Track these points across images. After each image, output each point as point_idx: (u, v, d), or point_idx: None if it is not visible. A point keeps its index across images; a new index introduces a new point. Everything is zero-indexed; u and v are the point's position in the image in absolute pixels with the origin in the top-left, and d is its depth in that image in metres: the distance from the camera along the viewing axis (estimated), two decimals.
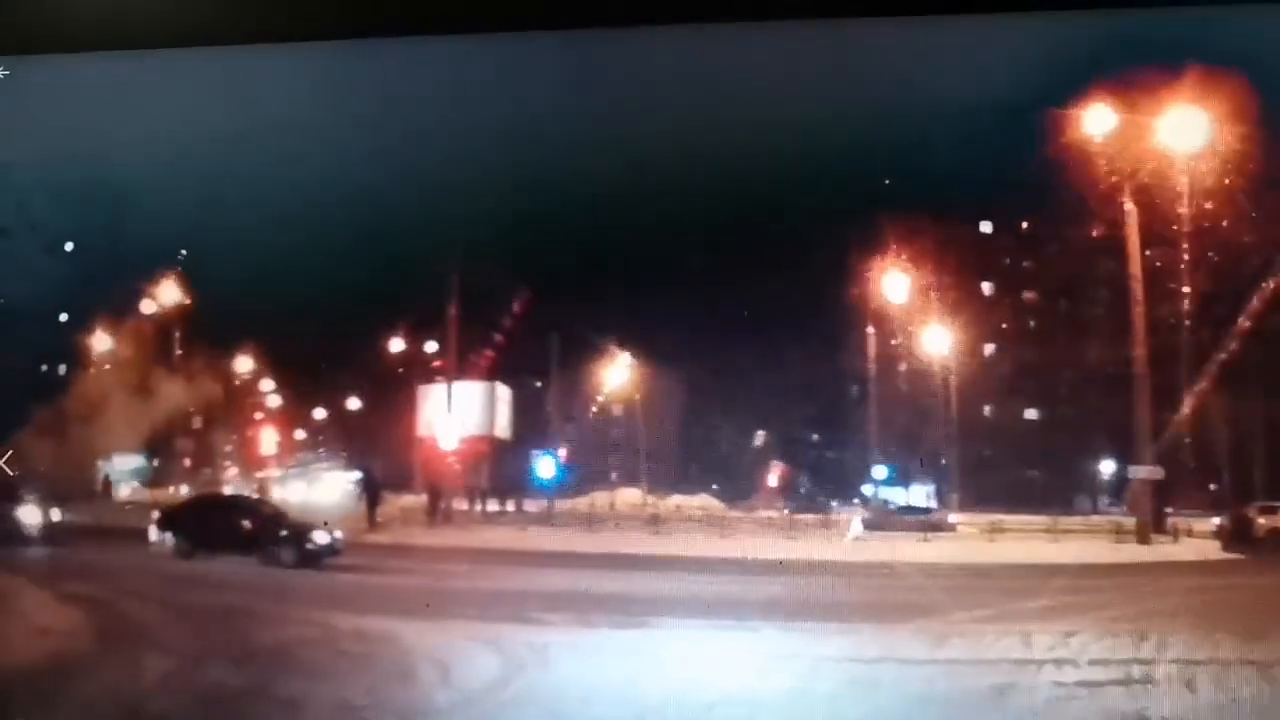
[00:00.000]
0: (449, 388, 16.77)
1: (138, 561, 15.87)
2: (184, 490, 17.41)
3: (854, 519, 16.56)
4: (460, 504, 17.22)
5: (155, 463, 17.78)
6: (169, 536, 15.83)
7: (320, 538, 15.50)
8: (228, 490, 16.64)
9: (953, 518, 17.07)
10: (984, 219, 16.80)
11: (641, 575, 15.60)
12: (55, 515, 16.53)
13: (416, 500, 17.09)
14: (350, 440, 16.97)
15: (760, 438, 16.57)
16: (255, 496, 16.47)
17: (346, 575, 15.69)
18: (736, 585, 15.23)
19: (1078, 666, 12.50)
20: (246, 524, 15.67)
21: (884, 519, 16.71)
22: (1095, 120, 15.71)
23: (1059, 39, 12.06)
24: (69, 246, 16.53)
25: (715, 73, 13.24)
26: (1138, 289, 15.92)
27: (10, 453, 15.07)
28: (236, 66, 12.55)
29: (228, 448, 17.58)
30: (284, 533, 15.58)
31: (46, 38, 11.38)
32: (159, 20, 11.10)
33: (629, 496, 17.10)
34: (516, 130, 14.66)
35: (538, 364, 16.59)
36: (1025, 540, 16.21)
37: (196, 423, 17.84)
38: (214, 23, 11.02)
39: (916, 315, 16.99)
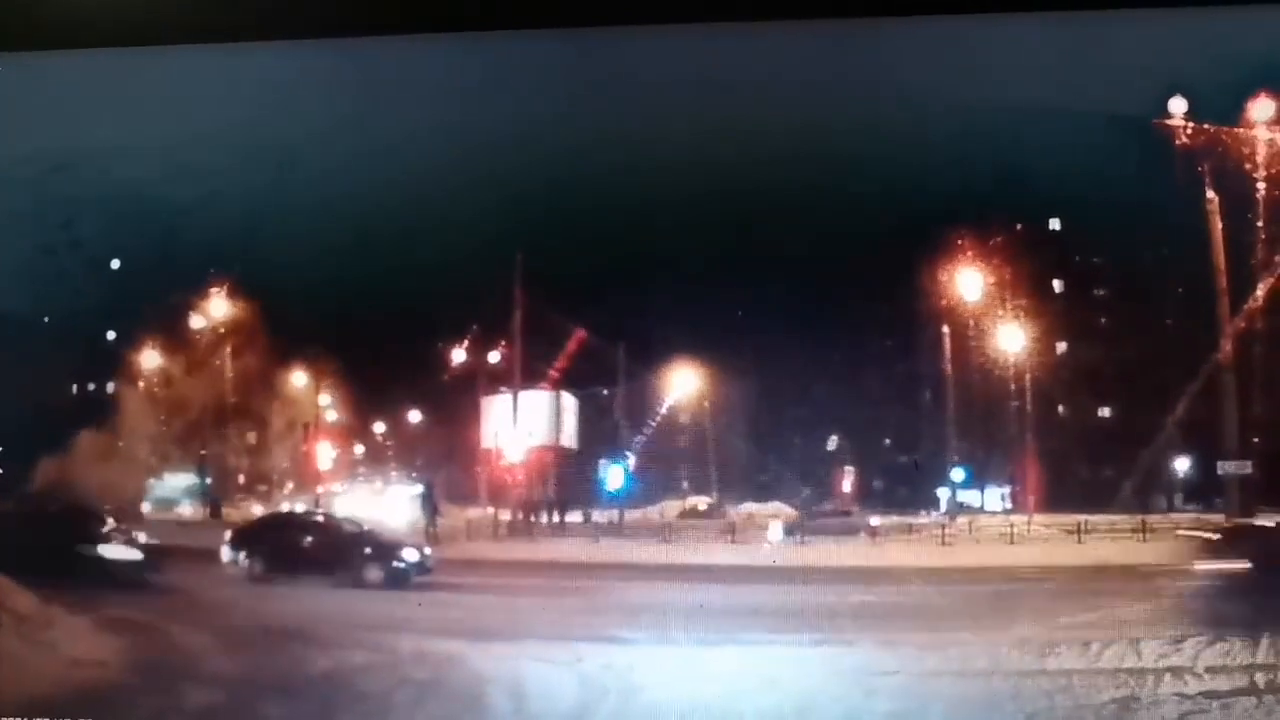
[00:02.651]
0: (514, 398, 16.33)
1: (208, 586, 15.38)
2: (253, 509, 16.86)
3: (773, 524, 16.32)
4: (527, 516, 16.82)
5: (209, 480, 17.28)
6: (242, 557, 15.30)
7: (410, 555, 15.00)
8: (296, 507, 16.04)
9: (938, 517, 16.79)
10: (1053, 215, 16.46)
11: (721, 586, 15.24)
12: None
13: (481, 514, 16.68)
14: (412, 454, 16.52)
15: (833, 442, 16.20)
16: (337, 513, 15.85)
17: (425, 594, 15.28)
18: (821, 595, 14.94)
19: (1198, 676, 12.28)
20: (328, 543, 15.16)
21: (804, 524, 16.37)
22: (1172, 106, 15.46)
23: (1125, 34, 11.85)
24: (115, 264, 16.10)
25: (783, 72, 12.97)
26: (1222, 280, 15.69)
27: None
28: (276, 64, 12.22)
29: (285, 464, 17.09)
30: (369, 551, 15.07)
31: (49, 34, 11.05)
32: (196, 15, 10.81)
33: (699, 505, 16.73)
34: (576, 138, 14.34)
35: (604, 373, 16.19)
36: (1113, 541, 15.96)
37: (251, 439, 17.37)
38: (249, 17, 10.75)
39: (988, 315, 16.69)
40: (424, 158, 14.70)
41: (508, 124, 14.18)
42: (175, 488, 17.17)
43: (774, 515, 16.45)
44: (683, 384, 16.38)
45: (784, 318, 15.30)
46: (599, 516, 16.80)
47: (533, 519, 16.77)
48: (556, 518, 16.96)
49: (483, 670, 13.03)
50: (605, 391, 16.43)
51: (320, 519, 15.92)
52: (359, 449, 16.90)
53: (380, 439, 16.81)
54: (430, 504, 16.29)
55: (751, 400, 16.11)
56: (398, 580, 15.00)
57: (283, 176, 14.75)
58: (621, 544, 16.38)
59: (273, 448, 17.18)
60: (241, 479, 17.31)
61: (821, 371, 15.46)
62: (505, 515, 16.79)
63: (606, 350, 16.10)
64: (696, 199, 14.81)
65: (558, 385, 16.46)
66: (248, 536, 15.55)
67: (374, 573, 14.97)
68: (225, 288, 16.60)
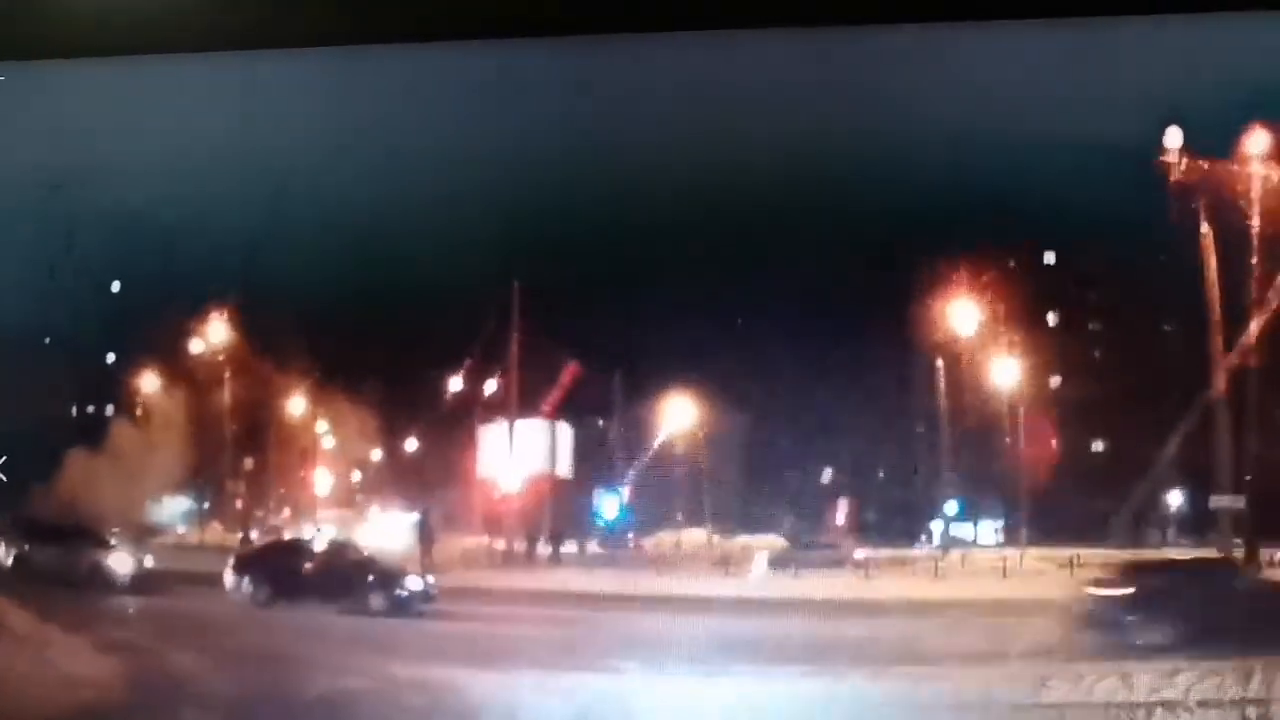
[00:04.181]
0: (510, 428, 16.39)
1: (209, 610, 15.42)
2: (249, 535, 16.89)
3: (757, 556, 16.32)
4: (522, 546, 16.84)
5: (205, 505, 17.31)
6: (245, 583, 15.31)
7: (413, 584, 15.03)
8: (299, 533, 16.07)
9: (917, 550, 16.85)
10: (1047, 249, 16.55)
11: (717, 618, 15.26)
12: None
13: (477, 543, 16.70)
14: (408, 482, 16.55)
15: (827, 475, 16.24)
16: (341, 540, 15.88)
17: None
18: (812, 627, 14.98)
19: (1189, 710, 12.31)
20: (332, 569, 15.18)
21: (790, 556, 16.45)
22: (1167, 140, 15.55)
23: (1126, 44, 11.90)
24: (115, 286, 16.18)
25: (785, 82, 13.04)
26: (1215, 312, 15.78)
27: None
28: (271, 74, 12.32)
29: (281, 490, 17.12)
30: (372, 578, 15.09)
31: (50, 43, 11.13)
32: (194, 23, 10.90)
33: (695, 536, 16.74)
34: (573, 158, 14.40)
35: (600, 403, 16.24)
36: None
37: (248, 464, 17.41)
38: (250, 26, 10.84)
39: (982, 348, 16.75)
40: (419, 176, 14.78)
41: (505, 140, 14.24)
42: (173, 511, 17.21)
43: (767, 547, 16.48)
44: (678, 415, 16.42)
45: (779, 350, 15.34)
46: (594, 547, 16.83)
47: (528, 548, 16.80)
48: (552, 548, 16.98)
49: (478, 699, 13.10)
50: (601, 422, 16.48)
51: (324, 545, 15.99)
52: (356, 476, 16.92)
53: (377, 467, 16.83)
54: (426, 532, 16.32)
55: (746, 432, 16.16)
56: (401, 608, 15.02)
57: (280, 195, 14.82)
58: (616, 574, 16.42)
59: (270, 474, 17.20)
60: (239, 504, 17.33)
61: (816, 404, 15.48)
62: (501, 544, 16.80)
63: (602, 380, 16.16)
64: (693, 228, 14.91)
65: (554, 415, 16.51)
66: (251, 562, 15.60)
67: (378, 600, 15.02)
68: (223, 312, 16.66)
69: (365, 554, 15.63)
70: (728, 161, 14.17)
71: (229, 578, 15.64)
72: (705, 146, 14.05)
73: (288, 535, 16.48)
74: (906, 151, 14.20)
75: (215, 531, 17.32)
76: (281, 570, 15.44)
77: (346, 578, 15.18)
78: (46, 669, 13.54)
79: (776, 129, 13.89)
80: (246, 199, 14.93)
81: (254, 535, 16.67)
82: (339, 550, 15.81)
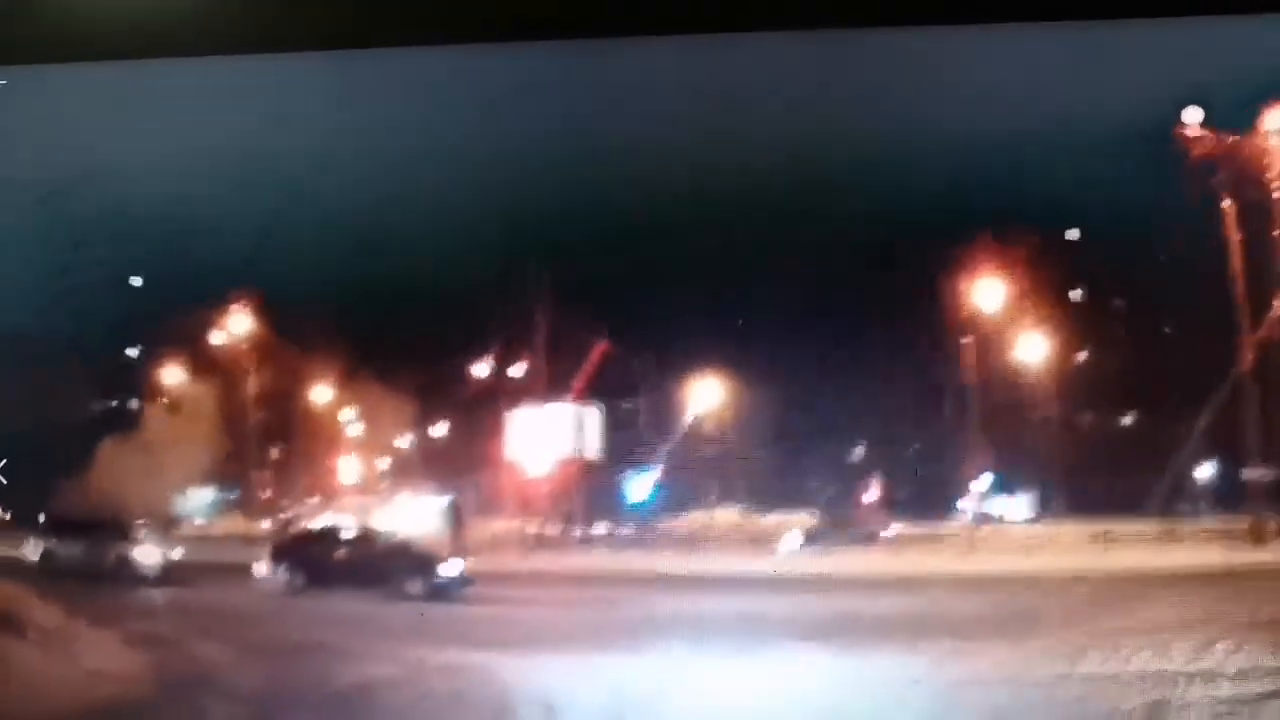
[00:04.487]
0: (538, 411, 16.38)
1: (238, 600, 15.43)
2: (282, 523, 16.88)
3: (789, 534, 16.33)
4: (553, 529, 16.83)
5: (233, 495, 17.32)
6: (280, 571, 15.28)
7: (450, 568, 14.99)
8: (333, 521, 16.05)
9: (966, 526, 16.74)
10: (1072, 226, 16.49)
11: (749, 597, 15.31)
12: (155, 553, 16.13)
13: (507, 526, 16.70)
14: (436, 467, 16.54)
15: (858, 452, 16.22)
16: (376, 526, 15.85)
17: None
18: (846, 603, 15.00)
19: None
20: (368, 556, 15.16)
21: (822, 533, 16.45)
22: (1187, 120, 15.53)
23: (1140, 43, 11.92)
24: (136, 281, 16.20)
25: (806, 81, 13.07)
26: (1239, 287, 15.76)
27: None
28: (292, 75, 12.34)
29: (308, 479, 17.12)
30: (410, 564, 15.06)
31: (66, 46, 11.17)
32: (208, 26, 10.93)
33: (726, 515, 16.72)
34: (592, 149, 14.41)
35: (627, 384, 16.21)
36: (1139, 547, 15.98)
37: (274, 454, 17.41)
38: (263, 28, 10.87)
39: (1009, 324, 16.72)
40: (440, 170, 14.79)
41: (524, 134, 14.27)
42: (199, 502, 17.22)
43: (798, 525, 16.47)
44: (707, 394, 16.40)
45: (809, 327, 15.32)
46: (625, 528, 16.82)
47: (560, 531, 16.80)
48: (583, 529, 16.98)
49: (510, 683, 13.10)
50: (628, 403, 16.44)
51: (360, 532, 15.94)
52: (383, 462, 16.92)
53: (405, 453, 16.83)
54: (456, 517, 16.31)
55: (776, 410, 16.11)
56: (439, 593, 14.98)
57: (301, 189, 14.83)
58: (648, 555, 16.42)
59: (296, 463, 17.21)
60: (265, 494, 17.33)
61: (846, 381, 15.46)
62: (531, 527, 16.79)
63: (629, 361, 16.12)
64: (718, 207, 14.89)
65: (582, 397, 16.48)
66: (287, 550, 15.57)
67: (416, 586, 14.97)
68: (246, 303, 16.66)
69: (401, 540, 15.56)
70: (752, 144, 14.20)
71: (261, 567, 15.63)
72: (729, 131, 14.07)
73: (319, 523, 16.38)
74: (928, 136, 14.23)
75: (242, 522, 17.31)
76: (317, 558, 15.41)
77: (383, 564, 15.15)
78: (73, 664, 13.59)
79: (801, 120, 13.96)
80: (269, 192, 14.93)
81: (284, 524, 16.64)
82: (375, 537, 15.73)
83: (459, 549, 16.06)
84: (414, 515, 16.29)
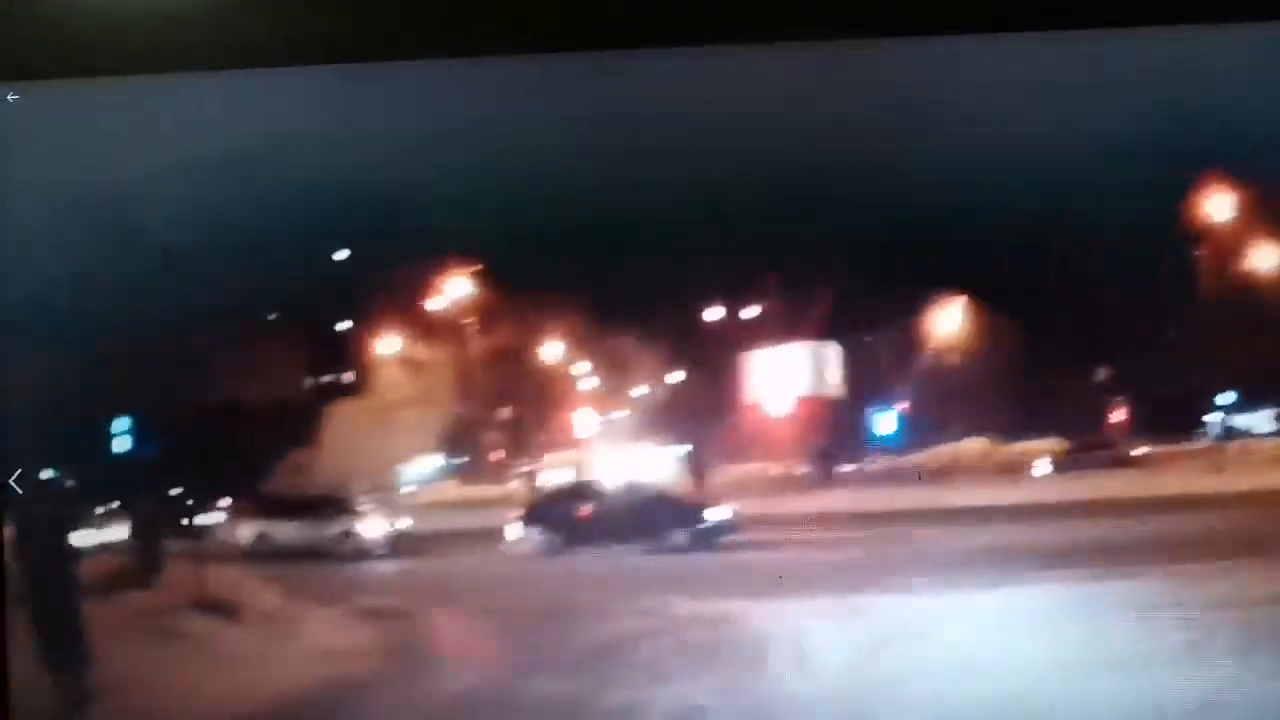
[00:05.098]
0: (775, 351, 16.12)
1: (476, 567, 15.20)
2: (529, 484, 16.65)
3: (1037, 461, 16.23)
4: (797, 470, 16.59)
5: (460, 461, 17.09)
6: (534, 533, 14.98)
7: (716, 514, 14.72)
8: (581, 476, 15.82)
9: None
10: None
11: (997, 526, 15.12)
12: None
13: (749, 470, 16.47)
14: (674, 415, 16.30)
15: (1101, 373, 15.94)
16: (633, 479, 15.56)
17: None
18: (1096, 529, 14.82)
19: None
20: (629, 509, 14.84)
21: (1069, 458, 16.28)
22: None
23: None
24: (342, 254, 16.01)
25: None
26: None
27: None
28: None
29: (542, 437, 16.88)
30: (673, 514, 14.76)
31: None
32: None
33: (973, 446, 16.46)
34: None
35: (866, 317, 15.94)
36: None
37: (504, 414, 17.17)
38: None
39: (1244, 231, 16.40)
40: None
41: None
42: (425, 469, 17.01)
43: (1046, 451, 16.22)
44: (947, 323, 16.12)
45: (1046, 249, 15.08)
46: (871, 464, 16.57)
47: (810, 470, 16.55)
48: (828, 468, 16.72)
49: (763, 628, 12.96)
50: (868, 337, 16.18)
51: (619, 486, 15.65)
52: (619, 414, 16.66)
53: (641, 402, 16.58)
54: (697, 464, 16.08)
55: (1018, 335, 15.84)
56: (703, 541, 14.71)
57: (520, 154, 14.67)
58: (895, 491, 16.17)
59: (528, 420, 16.98)
60: (499, 454, 17.10)
61: (1085, 300, 15.20)
62: (774, 470, 16.56)
63: (865, 294, 15.84)
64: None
65: (819, 334, 16.23)
66: (540, 511, 15.29)
67: (681, 536, 14.70)
68: (463, 262, 16.42)
69: (663, 490, 15.29)
70: None
71: (513, 530, 15.39)
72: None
73: (572, 481, 16.10)
74: None
75: (472, 487, 17.08)
76: (573, 516, 15.12)
77: (646, 516, 14.84)
78: (296, 644, 13.45)
79: None
80: (484, 156, 14.79)
81: (532, 486, 16.38)
82: (635, 489, 15.44)
83: (702, 495, 15.85)
84: (656, 465, 16.07)
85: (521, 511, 15.43)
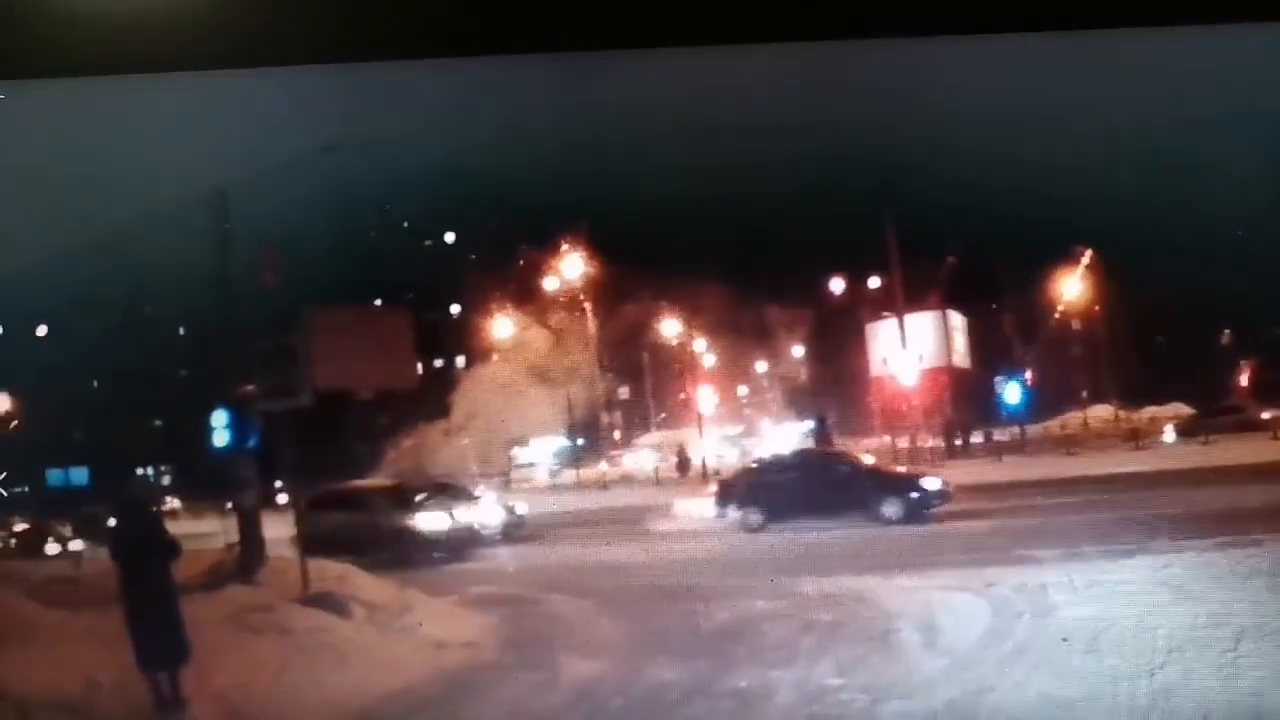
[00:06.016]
0: (900, 322, 16.00)
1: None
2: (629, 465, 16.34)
3: (1166, 427, 15.96)
4: (928, 441, 16.45)
5: (578, 442, 16.93)
6: (732, 509, 14.67)
7: (929, 484, 14.45)
8: (779, 452, 15.36)
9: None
10: None
11: (1125, 495, 14.85)
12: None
13: (877, 443, 16.30)
14: (798, 390, 16.17)
15: (1226, 336, 15.82)
16: (833, 451, 15.21)
17: None
18: (1224, 496, 14.56)
19: None
20: (834, 482, 14.43)
21: (1198, 423, 16.09)
22: None
23: None
24: (449, 238, 15.91)
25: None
26: None
27: None
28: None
29: (662, 415, 16.74)
30: (884, 485, 14.43)
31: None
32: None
33: (1101, 413, 16.34)
34: None
35: (990, 286, 15.83)
36: None
37: (624, 393, 17.03)
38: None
39: None
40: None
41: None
42: (542, 453, 16.86)
43: (1173, 417, 16.09)
44: (1071, 291, 16.03)
45: (1168, 217, 14.98)
46: (1000, 435, 16.42)
47: (943, 442, 16.38)
48: (958, 439, 16.55)
49: (891, 604, 12.62)
50: (994, 305, 16.07)
51: (821, 459, 15.18)
52: (742, 390, 16.53)
53: (765, 378, 16.45)
54: (823, 437, 15.90)
55: (1141, 301, 15.73)
56: (915, 513, 14.38)
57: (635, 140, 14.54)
58: (1025, 461, 16.03)
59: (648, 400, 16.83)
60: (617, 435, 16.95)
61: (1208, 265, 15.07)
62: (902, 443, 16.40)
63: (988, 264, 15.77)
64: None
65: (943, 304, 16.12)
66: (736, 489, 14.84)
67: (892, 509, 14.32)
68: (577, 246, 16.34)
69: (865, 461, 14.95)
70: None
71: (712, 508, 14.90)
72: None
73: (762, 457, 15.60)
74: None
75: (594, 469, 16.86)
76: (774, 490, 14.47)
77: (854, 489, 14.48)
78: (409, 636, 13.11)
79: None
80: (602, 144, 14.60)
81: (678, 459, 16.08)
82: (837, 460, 14.96)
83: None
84: (778, 440, 15.91)
85: (716, 490, 15.03)
